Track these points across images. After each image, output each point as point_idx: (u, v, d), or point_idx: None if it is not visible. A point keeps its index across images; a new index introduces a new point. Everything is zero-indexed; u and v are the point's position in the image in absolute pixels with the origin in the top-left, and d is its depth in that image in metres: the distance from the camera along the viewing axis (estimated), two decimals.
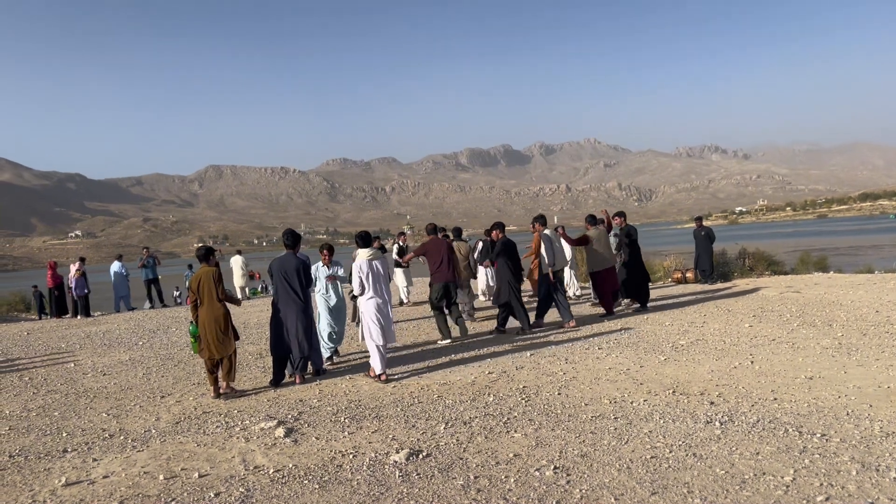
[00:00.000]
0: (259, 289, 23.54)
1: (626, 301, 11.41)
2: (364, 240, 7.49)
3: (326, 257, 8.04)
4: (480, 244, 12.48)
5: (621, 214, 11.54)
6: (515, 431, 5.02)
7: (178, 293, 26.76)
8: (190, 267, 24.17)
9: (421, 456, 4.61)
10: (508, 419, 5.34)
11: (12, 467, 5.00)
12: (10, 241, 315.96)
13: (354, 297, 7.40)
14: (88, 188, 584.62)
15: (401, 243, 14.41)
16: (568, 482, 4.00)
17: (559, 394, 6.03)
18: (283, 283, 7.25)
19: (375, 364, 7.09)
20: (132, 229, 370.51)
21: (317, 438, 5.19)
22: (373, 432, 5.26)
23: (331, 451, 4.87)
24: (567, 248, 11.85)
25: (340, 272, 8.10)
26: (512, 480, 4.09)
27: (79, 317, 16.36)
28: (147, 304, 19.08)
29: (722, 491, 3.75)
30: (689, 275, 14.85)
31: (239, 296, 18.81)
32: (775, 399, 5.45)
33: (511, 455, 4.52)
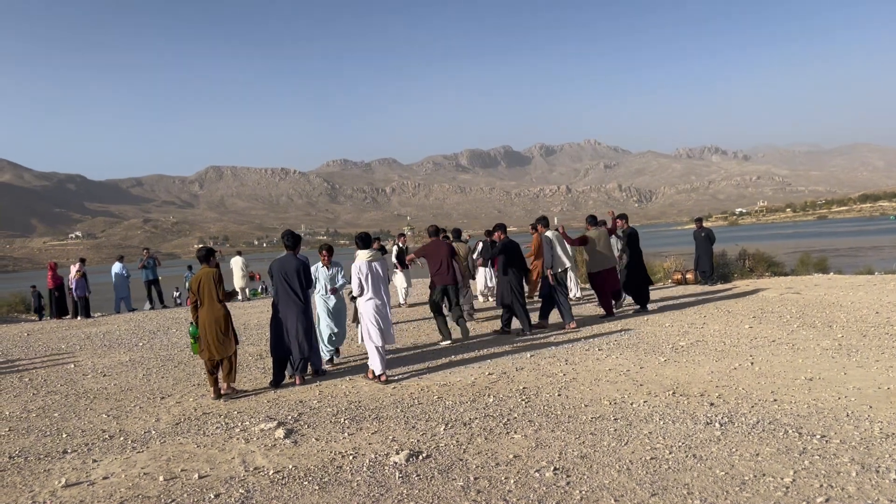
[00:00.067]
0: (259, 290, 23.54)
1: (628, 300, 11.41)
2: (364, 241, 7.49)
3: (326, 258, 8.04)
4: (480, 245, 12.48)
5: (623, 217, 11.55)
6: (515, 433, 5.02)
7: (177, 294, 26.77)
8: (190, 268, 24.17)
9: (421, 457, 4.61)
10: (508, 420, 5.34)
11: (12, 468, 5.00)
12: (10, 242, 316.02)
13: (354, 299, 7.41)
14: (89, 189, 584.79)
15: (400, 244, 14.42)
16: (568, 483, 4.00)
17: (559, 395, 6.03)
18: (283, 284, 7.25)
19: (375, 365, 7.09)
20: (132, 230, 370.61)
21: (317, 439, 5.19)
22: (373, 433, 5.26)
23: (331, 452, 4.87)
24: (568, 250, 11.86)
25: (340, 279, 8.07)
26: (512, 482, 4.09)
27: (79, 318, 16.37)
28: (147, 305, 19.09)
29: (722, 492, 3.75)
30: (689, 276, 14.85)
31: (239, 297, 18.82)
32: (775, 400, 5.45)
33: (511, 456, 4.52)
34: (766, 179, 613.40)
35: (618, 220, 11.51)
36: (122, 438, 5.61)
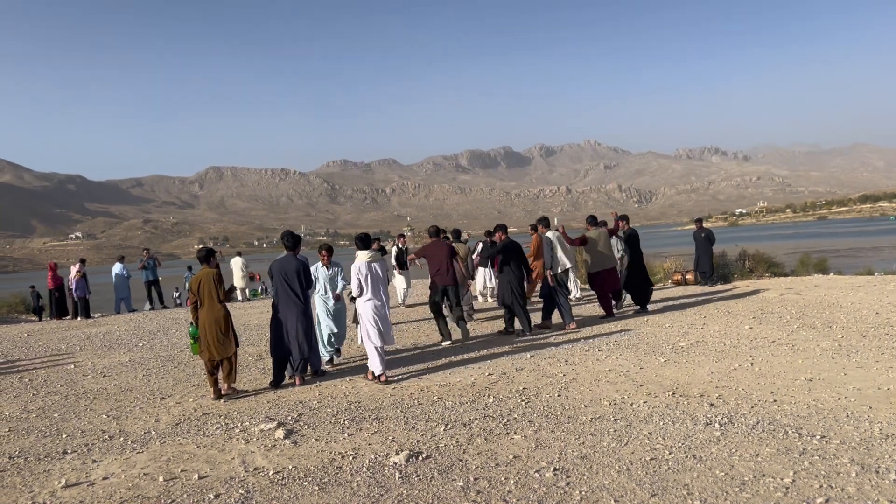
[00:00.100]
0: (259, 290, 23.54)
1: (629, 300, 11.41)
2: (363, 242, 7.50)
3: (325, 258, 8.04)
4: (480, 245, 12.48)
5: (624, 218, 11.56)
6: (515, 433, 5.02)
7: (177, 294, 26.77)
8: (190, 268, 24.18)
9: (421, 457, 4.61)
10: (508, 421, 5.34)
11: (12, 469, 5.00)
12: (10, 243, 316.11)
13: (353, 299, 7.41)
14: (89, 189, 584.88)
15: (400, 245, 14.42)
16: (568, 484, 4.00)
17: (559, 395, 6.03)
18: (283, 284, 7.26)
19: (374, 365, 7.09)
20: (132, 231, 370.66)
21: (316, 440, 5.19)
22: (372, 434, 5.26)
23: (330, 452, 4.87)
24: (569, 250, 11.87)
25: (340, 280, 8.07)
26: (512, 482, 4.09)
27: (79, 318, 16.37)
28: (147, 306, 19.10)
29: (721, 493, 3.75)
30: (689, 276, 14.86)
31: (239, 297, 18.83)
32: (775, 401, 5.45)
33: (511, 457, 4.52)
34: (766, 180, 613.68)
35: (619, 222, 11.51)
36: (121, 439, 5.61)
